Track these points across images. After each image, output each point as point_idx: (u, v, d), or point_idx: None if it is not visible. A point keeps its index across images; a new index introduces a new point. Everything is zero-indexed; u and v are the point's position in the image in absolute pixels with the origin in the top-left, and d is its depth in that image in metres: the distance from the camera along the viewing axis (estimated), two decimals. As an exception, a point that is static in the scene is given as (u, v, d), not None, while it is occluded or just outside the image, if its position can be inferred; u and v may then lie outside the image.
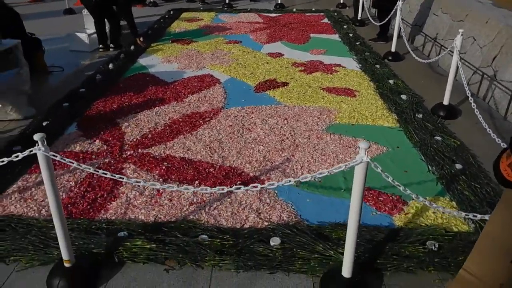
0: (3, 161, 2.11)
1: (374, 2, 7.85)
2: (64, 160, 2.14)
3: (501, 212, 1.47)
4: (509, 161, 1.30)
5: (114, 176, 2.19)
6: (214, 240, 2.76)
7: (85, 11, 7.33)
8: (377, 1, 7.63)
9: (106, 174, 2.19)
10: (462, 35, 4.40)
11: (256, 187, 2.20)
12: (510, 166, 1.30)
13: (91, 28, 7.17)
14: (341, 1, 10.66)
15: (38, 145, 2.08)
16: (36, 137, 2.08)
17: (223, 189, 2.20)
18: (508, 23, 5.34)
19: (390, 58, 6.56)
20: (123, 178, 2.18)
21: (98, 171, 2.20)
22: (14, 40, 4.78)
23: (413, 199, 3.20)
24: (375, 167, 2.16)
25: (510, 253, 1.41)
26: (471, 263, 1.52)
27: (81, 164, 2.19)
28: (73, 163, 2.16)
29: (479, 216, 2.24)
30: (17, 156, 2.12)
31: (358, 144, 2.14)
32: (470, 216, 2.29)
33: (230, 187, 2.22)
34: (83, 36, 6.98)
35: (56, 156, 2.13)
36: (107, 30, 7.18)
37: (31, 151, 2.09)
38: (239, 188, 2.19)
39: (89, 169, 2.19)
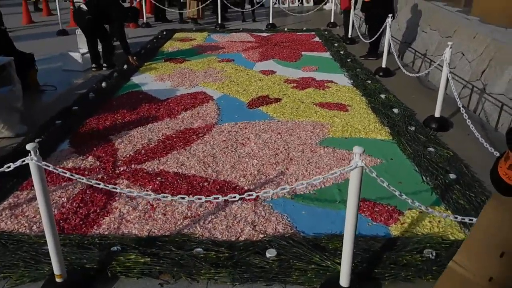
0: (-6, 172, 2.08)
1: (365, 18, 8.02)
2: (57, 170, 2.12)
3: (492, 206, 1.46)
4: (508, 164, 1.29)
5: (107, 187, 2.16)
6: (209, 253, 2.72)
7: (79, 31, 7.37)
8: (367, 18, 7.77)
9: (99, 184, 2.16)
10: (451, 47, 4.47)
11: (251, 195, 2.18)
12: (511, 168, 1.28)
13: (84, 47, 7.20)
14: (332, 20, 10.82)
15: (30, 155, 2.06)
16: (29, 146, 2.06)
17: (217, 198, 2.18)
18: (495, 38, 5.45)
19: (381, 74, 6.64)
20: (116, 189, 2.16)
21: (91, 181, 2.17)
22: (7, 57, 4.78)
23: (408, 209, 3.20)
24: (370, 172, 2.15)
25: (499, 247, 1.41)
26: (462, 256, 1.51)
27: (74, 175, 2.16)
28: (65, 173, 2.14)
29: (475, 220, 2.23)
30: (9, 167, 2.09)
31: (353, 151, 2.13)
32: (466, 220, 2.29)
33: (225, 196, 2.20)
34: (76, 55, 7.00)
35: (49, 166, 2.10)
36: (100, 50, 7.21)
37: (24, 161, 2.07)
38: (234, 197, 2.17)
39: (82, 179, 2.17)
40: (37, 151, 2.09)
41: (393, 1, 7.36)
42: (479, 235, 1.49)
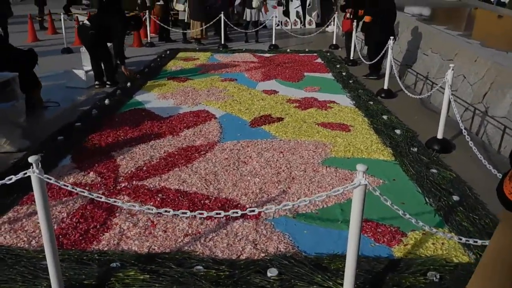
0: (-5, 184, 2.07)
1: (365, 39, 8.20)
2: (58, 183, 2.10)
3: (500, 230, 1.43)
4: None
5: (109, 200, 2.14)
6: (210, 271, 2.68)
7: (83, 49, 7.44)
8: (367, 38, 7.92)
9: (100, 198, 2.14)
10: (452, 69, 4.50)
11: (253, 211, 2.16)
12: None
13: (88, 65, 7.26)
14: (334, 42, 10.94)
15: (32, 167, 2.05)
16: (31, 159, 2.05)
17: (219, 214, 2.16)
18: (496, 61, 5.49)
19: (383, 95, 6.67)
20: (117, 202, 2.14)
21: (92, 195, 2.15)
22: (12, 73, 4.80)
23: (411, 230, 3.17)
24: (373, 191, 2.14)
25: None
26: (474, 286, 1.47)
27: (75, 188, 2.15)
28: (67, 186, 2.12)
29: (479, 242, 2.21)
30: (10, 179, 2.08)
31: (356, 168, 2.12)
32: (471, 242, 2.25)
33: (227, 212, 2.18)
34: (80, 72, 7.06)
35: (51, 179, 2.09)
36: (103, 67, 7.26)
37: (25, 173, 2.06)
38: (236, 212, 2.15)
39: (84, 192, 2.15)
40: (39, 164, 2.09)
41: (393, 22, 7.46)
42: (490, 260, 1.45)
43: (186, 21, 11.30)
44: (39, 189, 2.08)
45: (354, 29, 8.91)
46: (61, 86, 7.07)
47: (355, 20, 8.89)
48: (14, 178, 2.07)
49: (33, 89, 5.94)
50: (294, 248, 2.98)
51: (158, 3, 11.38)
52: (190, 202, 3.56)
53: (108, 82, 7.18)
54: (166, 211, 2.21)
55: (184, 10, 11.25)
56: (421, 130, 5.22)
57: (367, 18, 7.59)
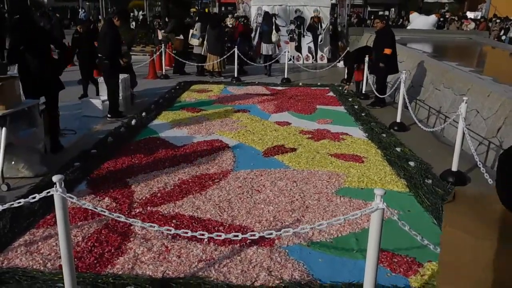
0: (20, 202, 2.11)
1: (370, 69, 8.54)
2: (80, 202, 2.14)
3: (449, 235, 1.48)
4: None
5: (128, 220, 2.17)
6: (224, 297, 2.66)
7: (100, 79, 7.63)
8: (371, 68, 8.25)
9: (120, 217, 2.17)
10: (466, 102, 4.53)
11: (271, 234, 2.16)
12: None
13: (104, 95, 7.42)
14: (345, 77, 11.08)
15: (56, 186, 2.09)
16: (55, 178, 2.10)
17: (237, 236, 2.16)
18: (510, 96, 5.52)
19: (396, 128, 6.70)
20: (137, 223, 2.16)
21: (113, 214, 2.18)
22: (33, 100, 4.92)
23: (428, 261, 3.12)
24: (391, 215, 2.14)
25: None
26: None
27: (96, 207, 2.18)
28: (88, 205, 2.15)
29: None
30: (34, 197, 2.12)
31: (374, 192, 2.13)
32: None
33: (244, 234, 2.19)
34: (96, 102, 7.22)
35: (73, 198, 2.12)
36: (121, 99, 7.40)
37: (49, 192, 2.10)
38: (254, 235, 2.16)
39: (104, 212, 2.18)
40: (62, 183, 2.13)
41: (396, 59, 7.97)
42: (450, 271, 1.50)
43: (202, 53, 11.52)
44: (61, 208, 2.11)
45: (366, 66, 9.10)
46: (77, 115, 7.22)
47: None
48: (38, 196, 2.11)
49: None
50: (309, 276, 2.95)
51: (178, 37, 11.68)
52: (204, 228, 3.56)
53: (108, 115, 7.06)
54: (184, 232, 2.22)
55: (199, 45, 11.52)
56: (435, 163, 5.20)
57: (388, 51, 7.81)
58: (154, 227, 2.21)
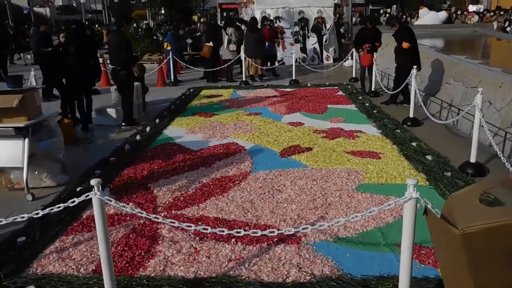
0: (59, 207, 2.16)
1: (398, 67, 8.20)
2: (118, 204, 2.19)
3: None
4: None
5: (165, 221, 2.21)
6: (258, 294, 2.69)
7: (113, 88, 7.72)
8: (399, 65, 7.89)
9: (158, 218, 2.21)
10: (481, 93, 4.54)
11: (306, 228, 2.20)
12: None
13: (118, 103, 7.49)
14: (353, 76, 11.12)
15: (94, 190, 2.14)
16: (93, 182, 2.15)
17: (273, 232, 2.20)
18: (523, 86, 5.52)
19: (409, 123, 6.72)
20: (174, 223, 2.21)
21: (150, 216, 2.23)
22: (50, 111, 5.00)
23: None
24: (424, 203, 2.17)
25: None
26: None
27: (134, 208, 2.23)
28: (126, 207, 2.20)
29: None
30: (73, 201, 2.17)
31: (406, 182, 2.16)
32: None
33: (280, 230, 2.22)
34: (111, 111, 7.30)
35: (111, 201, 2.17)
36: (134, 106, 7.47)
37: (88, 195, 2.15)
38: (290, 230, 2.19)
39: (142, 213, 2.23)
40: (100, 186, 2.18)
41: (416, 54, 7.64)
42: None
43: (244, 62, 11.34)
44: (100, 211, 2.16)
45: (374, 61, 9.08)
46: (92, 124, 7.30)
47: (374, 53, 9.08)
48: (77, 200, 2.16)
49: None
50: (339, 271, 2.98)
51: (208, 44, 11.40)
52: (230, 228, 3.58)
53: (123, 124, 7.16)
54: (220, 230, 2.27)
55: (234, 50, 11.45)
56: (452, 155, 5.21)
57: (405, 45, 7.53)
58: (207, 229, 2.26)
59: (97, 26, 10.30)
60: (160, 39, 15.41)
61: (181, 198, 4.25)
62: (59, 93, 7.43)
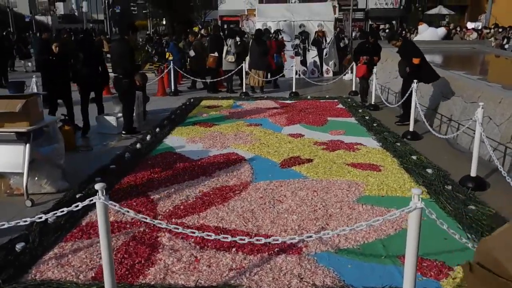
0: (63, 211, 2.15)
1: (404, 83, 7.85)
2: (122, 209, 2.18)
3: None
4: None
5: (169, 226, 2.20)
6: (259, 304, 2.67)
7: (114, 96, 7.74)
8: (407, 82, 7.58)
9: (161, 224, 2.20)
10: (482, 108, 4.57)
11: (310, 236, 2.19)
12: None
13: (119, 111, 7.50)
14: (353, 89, 11.17)
15: (98, 194, 2.14)
16: (97, 186, 2.14)
17: (277, 240, 2.19)
18: (522, 101, 5.55)
19: (409, 137, 6.74)
20: (178, 228, 2.20)
21: (153, 221, 2.22)
22: (52, 116, 5.00)
23: (458, 265, 3.13)
24: (429, 214, 2.16)
25: None
26: None
27: (137, 214, 2.22)
28: (129, 212, 2.19)
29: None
30: (77, 206, 2.16)
31: (412, 192, 2.16)
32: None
33: (284, 237, 2.21)
34: (111, 119, 7.30)
35: (115, 206, 2.16)
36: (135, 115, 7.47)
37: (91, 200, 2.14)
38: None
39: (146, 218, 2.22)
40: (104, 191, 2.17)
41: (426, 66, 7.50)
42: None
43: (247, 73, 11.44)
44: (103, 215, 2.15)
45: (374, 75, 9.14)
46: (93, 132, 7.30)
47: (373, 67, 9.15)
48: (80, 204, 2.15)
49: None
50: (340, 282, 2.96)
51: (212, 54, 11.50)
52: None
53: (123, 132, 7.16)
54: (224, 237, 2.26)
55: (233, 61, 11.52)
56: (452, 169, 5.22)
57: (416, 60, 7.29)
58: (194, 233, 2.24)
59: (97, 36, 10.33)
60: (149, 50, 15.38)
61: (181, 207, 4.23)
62: (62, 101, 7.35)
